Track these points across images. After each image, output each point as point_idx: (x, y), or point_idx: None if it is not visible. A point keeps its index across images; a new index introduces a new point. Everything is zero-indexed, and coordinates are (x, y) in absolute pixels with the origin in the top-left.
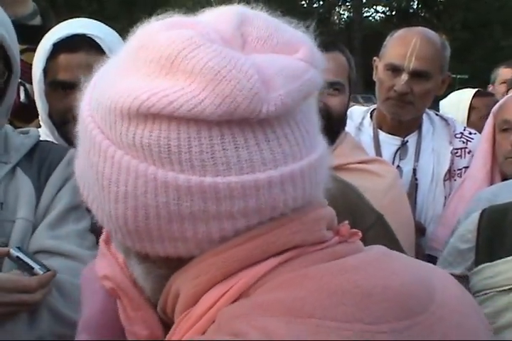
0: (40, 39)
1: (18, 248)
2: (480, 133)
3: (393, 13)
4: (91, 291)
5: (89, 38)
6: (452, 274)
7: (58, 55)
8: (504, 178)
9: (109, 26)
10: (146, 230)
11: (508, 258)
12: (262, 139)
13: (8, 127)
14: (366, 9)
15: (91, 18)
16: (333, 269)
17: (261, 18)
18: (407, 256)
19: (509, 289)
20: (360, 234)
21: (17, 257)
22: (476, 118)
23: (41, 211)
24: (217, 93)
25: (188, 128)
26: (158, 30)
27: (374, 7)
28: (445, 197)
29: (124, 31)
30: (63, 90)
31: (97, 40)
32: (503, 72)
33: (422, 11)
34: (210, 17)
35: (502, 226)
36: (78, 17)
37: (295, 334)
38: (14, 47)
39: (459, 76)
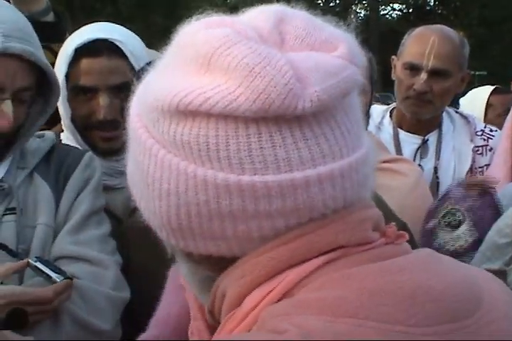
0: (54, 36)
1: (37, 257)
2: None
3: (410, 10)
4: (176, 288)
5: (110, 42)
6: (490, 269)
7: (80, 60)
8: None
9: (125, 28)
10: (189, 228)
11: None
12: (300, 138)
13: None
14: (383, 7)
15: (106, 20)
16: (378, 270)
17: (299, 16)
18: (454, 259)
19: None
20: (407, 236)
21: (35, 267)
22: (492, 116)
23: (61, 216)
24: (252, 89)
25: (226, 125)
26: (197, 30)
27: (390, 5)
28: None
29: (139, 33)
30: (85, 95)
31: (119, 44)
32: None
33: (438, 8)
34: (250, 16)
35: None
36: (94, 20)
37: (334, 333)
38: (43, 58)
39: (477, 73)
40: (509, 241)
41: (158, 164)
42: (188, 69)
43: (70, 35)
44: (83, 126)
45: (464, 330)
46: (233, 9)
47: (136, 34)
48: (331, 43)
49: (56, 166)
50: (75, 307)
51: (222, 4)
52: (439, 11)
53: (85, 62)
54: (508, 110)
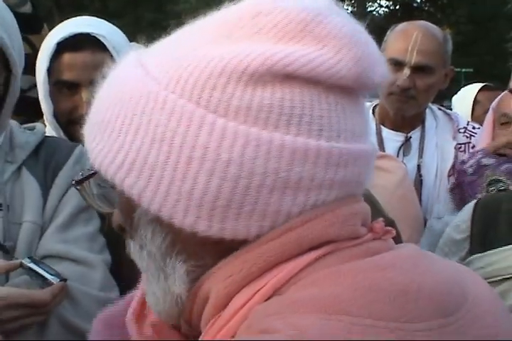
0: (31, 27)
1: (30, 258)
2: None
3: (397, 7)
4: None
5: (93, 36)
6: None
7: (62, 55)
8: None
9: (113, 23)
10: (239, 204)
11: (499, 248)
12: (360, 112)
13: (14, 123)
14: (370, 4)
15: (95, 15)
16: (369, 266)
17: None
18: (436, 255)
19: (500, 280)
20: (394, 231)
21: (29, 268)
22: (480, 113)
23: (48, 213)
24: (351, 56)
25: (310, 91)
26: (272, 1)
27: (377, 1)
28: None
29: (127, 28)
30: (68, 90)
31: (101, 39)
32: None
33: (426, 5)
34: None
35: (496, 216)
36: (82, 15)
37: (329, 331)
38: (15, 48)
39: (464, 70)
40: (465, 236)
41: (216, 134)
42: (267, 36)
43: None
44: (66, 121)
45: (453, 325)
46: (221, 4)
47: (124, 29)
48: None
49: (45, 161)
50: (62, 309)
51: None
52: (426, 8)
53: (68, 57)
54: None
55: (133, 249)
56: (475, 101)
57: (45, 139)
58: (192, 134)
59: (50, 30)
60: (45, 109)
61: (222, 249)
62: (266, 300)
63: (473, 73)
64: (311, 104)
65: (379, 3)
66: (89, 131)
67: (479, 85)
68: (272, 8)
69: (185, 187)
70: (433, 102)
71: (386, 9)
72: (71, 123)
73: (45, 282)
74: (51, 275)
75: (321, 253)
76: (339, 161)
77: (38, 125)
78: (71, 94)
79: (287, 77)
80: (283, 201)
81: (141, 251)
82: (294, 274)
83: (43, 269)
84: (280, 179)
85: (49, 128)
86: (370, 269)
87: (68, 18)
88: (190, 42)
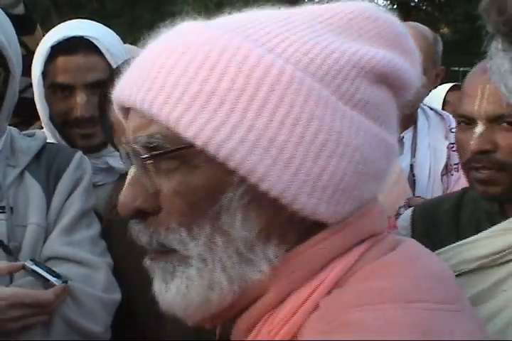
0: (24, 28)
1: (32, 260)
2: None
3: (394, 6)
4: None
5: (86, 39)
6: None
7: (56, 58)
8: None
9: (111, 23)
10: (352, 188)
11: (448, 247)
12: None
13: (14, 130)
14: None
15: (92, 15)
16: (405, 258)
17: None
18: None
19: None
20: (398, 226)
21: (32, 270)
22: (449, 112)
23: (52, 216)
24: (419, 71)
25: (390, 94)
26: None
27: (375, 1)
28: (443, 192)
29: (125, 28)
30: (62, 92)
31: (95, 42)
32: None
33: (423, 4)
34: None
35: (435, 218)
36: (80, 15)
37: (412, 319)
38: (12, 48)
39: (461, 68)
40: (405, 234)
41: (346, 121)
42: (370, 40)
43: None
44: (61, 123)
45: (468, 308)
46: (218, 5)
47: (122, 29)
48: None
49: (47, 166)
50: (67, 309)
51: (207, 0)
52: (424, 7)
53: (61, 60)
54: None
55: (188, 236)
56: (444, 102)
57: (45, 145)
58: (328, 119)
59: (46, 30)
60: (41, 111)
61: (301, 233)
62: (327, 293)
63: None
64: (388, 104)
65: (376, 3)
66: (175, 99)
67: (449, 85)
68: (378, 16)
69: (316, 169)
70: None
71: (383, 8)
72: (66, 125)
73: (47, 283)
74: (53, 277)
75: (367, 247)
76: (390, 156)
77: (37, 132)
78: (65, 96)
79: (384, 80)
80: (368, 189)
81: (213, 237)
82: (349, 268)
83: (45, 271)
84: (375, 168)
85: (45, 130)
86: (408, 260)
87: (66, 18)
88: (313, 32)
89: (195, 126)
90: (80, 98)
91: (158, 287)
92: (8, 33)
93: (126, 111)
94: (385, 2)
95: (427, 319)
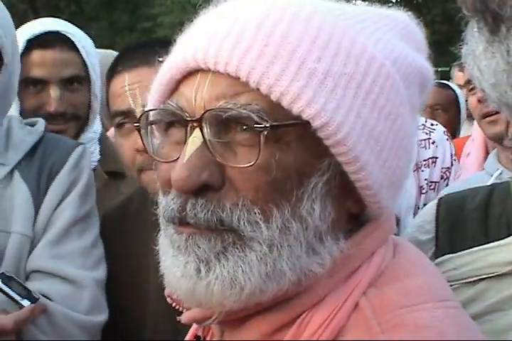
0: None
1: (1, 276)
2: None
3: (372, 6)
4: None
5: (63, 34)
6: None
7: (31, 52)
8: None
9: (89, 26)
10: (402, 186)
11: (473, 249)
12: None
13: (15, 119)
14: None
15: (71, 19)
16: (417, 256)
17: None
18: None
19: (474, 281)
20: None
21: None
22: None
23: (41, 224)
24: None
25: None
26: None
27: (353, 1)
28: (416, 188)
29: (103, 31)
30: (34, 87)
31: (71, 37)
32: (457, 76)
33: (401, 4)
34: None
35: (461, 215)
36: (57, 18)
37: (452, 316)
38: (8, 37)
39: (440, 69)
40: (430, 237)
41: (415, 120)
42: (414, 46)
43: None
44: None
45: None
46: (196, 7)
47: (100, 32)
48: None
49: (41, 162)
50: (40, 334)
51: (185, 2)
52: (402, 7)
53: (37, 54)
54: (439, 104)
55: (261, 217)
56: None
57: (44, 137)
58: (406, 117)
59: None
60: (12, 106)
61: (347, 230)
62: (363, 293)
63: (449, 72)
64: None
65: (354, 3)
66: (292, 73)
67: None
68: (413, 24)
69: (394, 164)
70: None
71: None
72: None
73: (16, 303)
74: (21, 297)
75: (388, 247)
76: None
77: (39, 121)
78: (38, 91)
79: (422, 83)
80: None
81: (289, 222)
82: (379, 267)
83: (13, 290)
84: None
85: None
86: (420, 259)
87: None
88: (387, 34)
89: (316, 105)
90: (54, 92)
91: (190, 267)
92: (5, 24)
93: (186, 75)
94: (362, 3)
95: (458, 316)
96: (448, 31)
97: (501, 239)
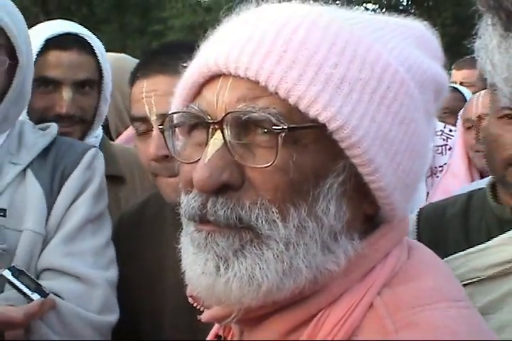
0: None
1: (11, 269)
2: None
3: (383, 10)
4: None
5: (81, 37)
6: None
7: (48, 52)
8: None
9: (100, 29)
10: (416, 189)
11: (455, 255)
12: None
13: (28, 123)
14: (356, 7)
15: (82, 22)
16: (431, 258)
17: None
18: None
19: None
20: None
21: (9, 281)
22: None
23: (54, 222)
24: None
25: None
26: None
27: (364, 5)
28: (426, 194)
29: (114, 34)
30: (46, 87)
31: (89, 40)
32: (454, 74)
33: (411, 8)
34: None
35: (443, 221)
36: (70, 20)
37: (465, 316)
38: (21, 35)
39: (450, 71)
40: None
41: (427, 125)
42: (428, 54)
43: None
44: (38, 119)
45: None
46: (207, 10)
47: (111, 35)
48: None
49: (53, 165)
50: (50, 332)
51: (195, 5)
52: (412, 11)
53: (54, 55)
54: (447, 108)
55: (278, 215)
56: None
57: (56, 140)
58: (421, 123)
59: None
60: None
61: (362, 231)
62: (378, 293)
63: None
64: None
65: (365, 7)
66: (309, 78)
67: None
68: (429, 34)
69: (407, 168)
70: None
71: (372, 12)
72: (43, 121)
73: (26, 297)
74: (32, 290)
75: (401, 248)
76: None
77: (52, 125)
78: (49, 91)
79: (436, 90)
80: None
81: (305, 222)
82: (393, 267)
83: (23, 283)
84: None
85: None
86: (433, 261)
87: None
88: (403, 42)
89: (332, 108)
90: (67, 94)
91: (209, 264)
92: (19, 23)
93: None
94: (374, 6)
95: (471, 316)
96: (458, 34)
97: (482, 243)
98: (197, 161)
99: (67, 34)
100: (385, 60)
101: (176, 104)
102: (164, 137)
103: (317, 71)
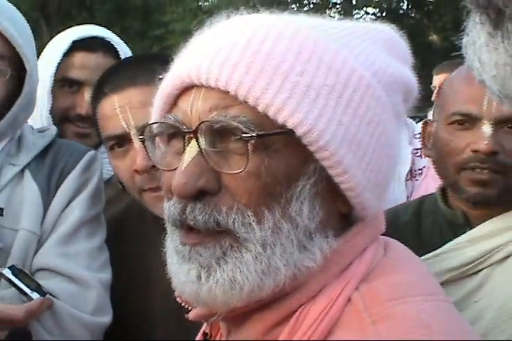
0: None
1: (11, 268)
2: None
3: (383, 14)
4: None
5: (107, 41)
6: None
7: (74, 53)
8: None
9: None
10: (387, 188)
11: None
12: None
13: (26, 126)
14: (356, 11)
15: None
16: (406, 254)
17: None
18: None
19: None
20: None
21: (9, 279)
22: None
23: (49, 222)
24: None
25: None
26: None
27: (364, 9)
28: (407, 197)
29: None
30: (70, 88)
31: (115, 45)
32: (434, 78)
33: (412, 12)
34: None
35: (396, 228)
36: (70, 26)
37: (442, 309)
38: (26, 45)
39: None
40: None
41: (397, 128)
42: (398, 59)
43: (45, 40)
44: (60, 118)
45: None
46: (207, 14)
47: None
48: None
49: (51, 165)
50: (45, 332)
51: (196, 9)
52: (413, 15)
53: (80, 56)
54: None
55: (254, 218)
56: None
57: (55, 142)
58: (389, 125)
59: (36, 41)
60: (43, 104)
61: (338, 228)
62: (355, 288)
63: None
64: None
65: (365, 11)
66: (277, 86)
67: None
68: (397, 37)
69: (376, 168)
70: (418, 111)
71: (373, 16)
72: (65, 120)
73: (25, 296)
74: (31, 289)
75: (378, 244)
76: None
77: (50, 127)
78: (72, 92)
79: (405, 92)
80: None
81: (279, 223)
82: (369, 264)
83: (23, 282)
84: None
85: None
86: (409, 257)
87: (55, 29)
88: (370, 46)
89: (299, 114)
90: (88, 95)
91: (192, 273)
92: (25, 34)
93: (183, 90)
94: (374, 10)
95: (448, 309)
96: (459, 38)
97: (436, 248)
98: (176, 169)
99: (95, 37)
100: (351, 65)
101: (154, 115)
102: (145, 147)
103: (284, 79)
